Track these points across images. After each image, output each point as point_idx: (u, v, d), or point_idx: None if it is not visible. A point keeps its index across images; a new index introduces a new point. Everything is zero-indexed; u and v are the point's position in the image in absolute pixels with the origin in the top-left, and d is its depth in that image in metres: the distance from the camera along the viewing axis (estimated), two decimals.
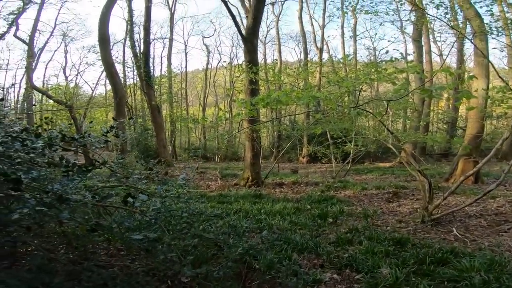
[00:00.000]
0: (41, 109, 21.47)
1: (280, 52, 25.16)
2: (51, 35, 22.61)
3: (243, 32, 9.26)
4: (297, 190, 8.29)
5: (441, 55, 19.68)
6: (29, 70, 17.22)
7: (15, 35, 17.21)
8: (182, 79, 27.85)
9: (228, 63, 28.27)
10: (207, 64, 29.09)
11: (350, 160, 11.20)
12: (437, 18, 7.66)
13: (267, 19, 24.73)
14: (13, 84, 23.19)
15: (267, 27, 26.15)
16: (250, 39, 9.07)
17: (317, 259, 3.34)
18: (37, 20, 17.81)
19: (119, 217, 2.88)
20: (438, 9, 7.88)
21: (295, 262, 3.18)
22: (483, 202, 5.48)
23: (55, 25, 22.66)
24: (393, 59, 4.57)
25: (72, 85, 24.55)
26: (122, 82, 18.68)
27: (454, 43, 12.76)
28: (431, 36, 16.03)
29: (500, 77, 6.20)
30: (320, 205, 5.95)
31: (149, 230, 2.81)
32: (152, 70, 18.97)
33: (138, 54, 16.87)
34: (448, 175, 8.86)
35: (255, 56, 9.56)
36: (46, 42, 22.51)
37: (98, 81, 25.27)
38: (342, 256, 3.36)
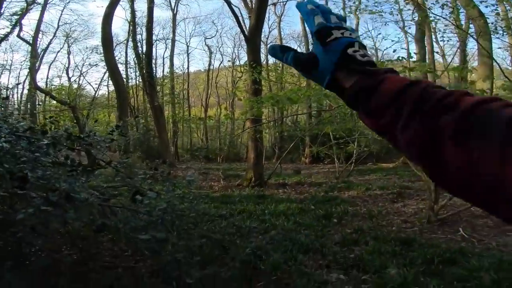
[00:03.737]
0: (45, 110, 21.28)
1: None
2: (54, 36, 22.38)
3: (246, 32, 9.26)
4: (301, 190, 8.23)
5: (443, 55, 19.57)
6: (33, 71, 17.18)
7: (18, 36, 17.18)
8: (184, 80, 27.69)
9: (229, 61, 28.05)
10: (209, 65, 28.78)
11: (353, 160, 11.11)
12: (442, 17, 7.55)
13: (269, 19, 23.99)
14: (17, 84, 22.72)
15: (269, 28, 25.33)
16: (253, 39, 9.05)
17: (323, 260, 3.31)
18: (40, 21, 17.75)
19: (124, 218, 2.86)
20: (443, 8, 7.75)
21: (301, 263, 3.16)
22: None
23: (58, 26, 22.31)
24: (400, 58, 4.53)
25: (75, 86, 24.45)
26: (125, 83, 18.53)
27: (457, 42, 12.61)
28: (433, 37, 15.87)
29: (506, 76, 6.14)
30: (324, 206, 5.89)
31: (155, 230, 2.80)
32: (154, 71, 18.85)
33: (141, 55, 16.71)
34: None
35: (258, 56, 9.54)
36: (49, 43, 22.34)
37: (101, 82, 24.61)
38: (348, 257, 3.33)
